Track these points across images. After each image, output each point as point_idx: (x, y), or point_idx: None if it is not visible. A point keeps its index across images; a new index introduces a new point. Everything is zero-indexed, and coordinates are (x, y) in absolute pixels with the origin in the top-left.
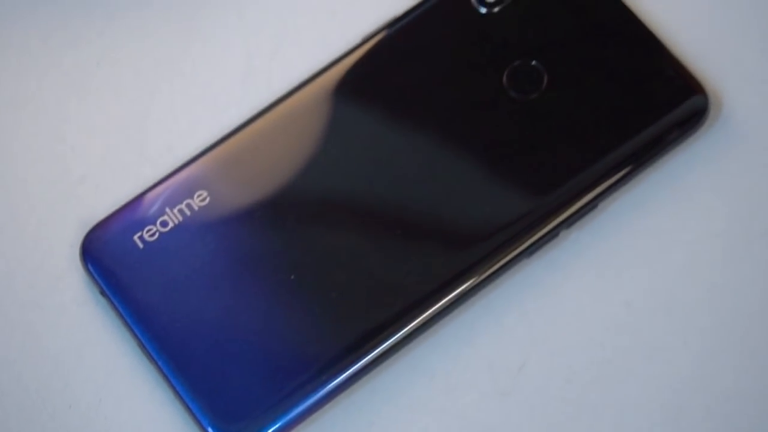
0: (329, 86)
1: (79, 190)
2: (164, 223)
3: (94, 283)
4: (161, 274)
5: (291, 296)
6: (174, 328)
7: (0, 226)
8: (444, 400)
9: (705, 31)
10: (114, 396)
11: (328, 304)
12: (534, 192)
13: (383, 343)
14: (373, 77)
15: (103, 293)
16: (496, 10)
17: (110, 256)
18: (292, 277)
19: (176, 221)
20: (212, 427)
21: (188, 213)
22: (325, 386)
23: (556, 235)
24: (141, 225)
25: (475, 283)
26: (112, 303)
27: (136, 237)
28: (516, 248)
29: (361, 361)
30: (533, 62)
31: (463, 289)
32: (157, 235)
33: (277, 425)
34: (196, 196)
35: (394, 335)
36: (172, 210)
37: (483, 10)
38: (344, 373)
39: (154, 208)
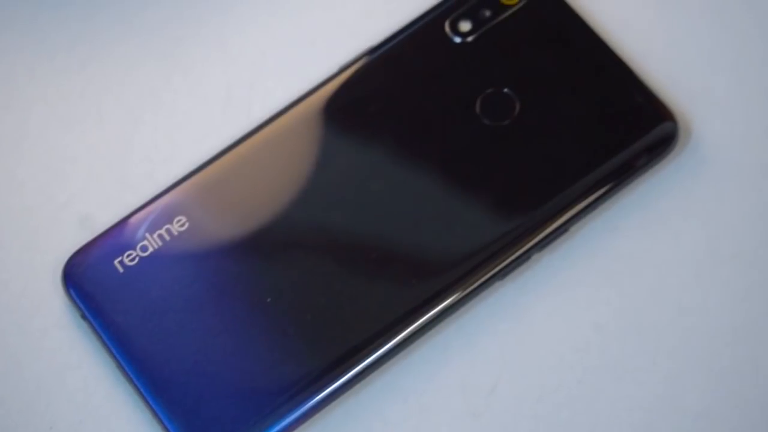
0: (306, 114)
1: (62, 216)
2: (144, 248)
3: (75, 307)
4: (141, 297)
5: (267, 319)
6: (153, 350)
7: None
8: (417, 420)
9: (675, 60)
10: (94, 417)
11: (304, 326)
12: (506, 216)
13: (358, 365)
14: (350, 105)
15: (84, 317)
16: (469, 39)
17: (91, 280)
18: (269, 299)
19: (156, 246)
20: None
21: (168, 238)
22: (301, 407)
23: (528, 258)
24: (121, 250)
25: (449, 305)
26: (92, 326)
27: (116, 262)
28: (488, 271)
29: (336, 382)
30: (505, 90)
31: (436, 312)
32: (137, 259)
33: None
34: (175, 221)
35: (369, 357)
36: (151, 235)
37: (457, 40)
38: (319, 394)
39: (135, 233)
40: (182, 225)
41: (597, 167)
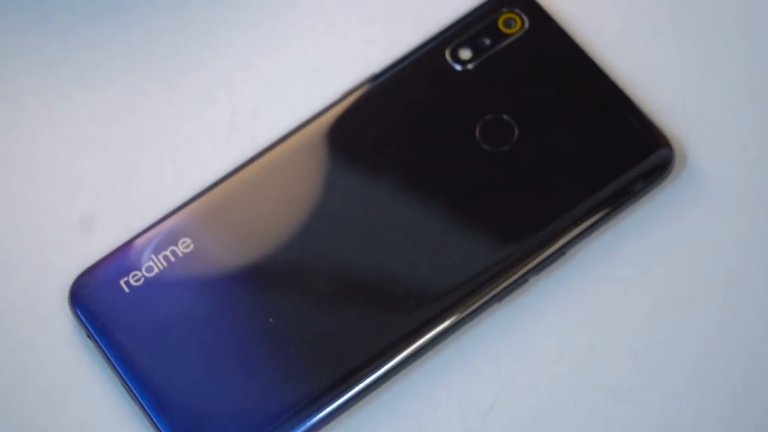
0: (309, 140)
1: (69, 238)
2: (149, 269)
3: (81, 326)
4: (146, 317)
5: (269, 339)
6: (157, 368)
7: None
8: None
9: (671, 88)
10: None
11: (305, 346)
12: (504, 240)
13: (357, 385)
14: (352, 131)
15: (90, 336)
16: (470, 67)
17: (97, 300)
18: (271, 320)
19: (161, 267)
20: None
21: (173, 259)
22: (302, 426)
23: (526, 281)
24: (127, 271)
25: (448, 326)
26: (98, 345)
27: (122, 282)
28: (487, 294)
29: (336, 401)
30: (505, 116)
31: (435, 333)
32: (142, 280)
33: None
34: (180, 243)
35: (368, 377)
36: (157, 256)
37: (458, 68)
38: (320, 413)
39: (140, 254)
40: (187, 246)
41: (594, 192)
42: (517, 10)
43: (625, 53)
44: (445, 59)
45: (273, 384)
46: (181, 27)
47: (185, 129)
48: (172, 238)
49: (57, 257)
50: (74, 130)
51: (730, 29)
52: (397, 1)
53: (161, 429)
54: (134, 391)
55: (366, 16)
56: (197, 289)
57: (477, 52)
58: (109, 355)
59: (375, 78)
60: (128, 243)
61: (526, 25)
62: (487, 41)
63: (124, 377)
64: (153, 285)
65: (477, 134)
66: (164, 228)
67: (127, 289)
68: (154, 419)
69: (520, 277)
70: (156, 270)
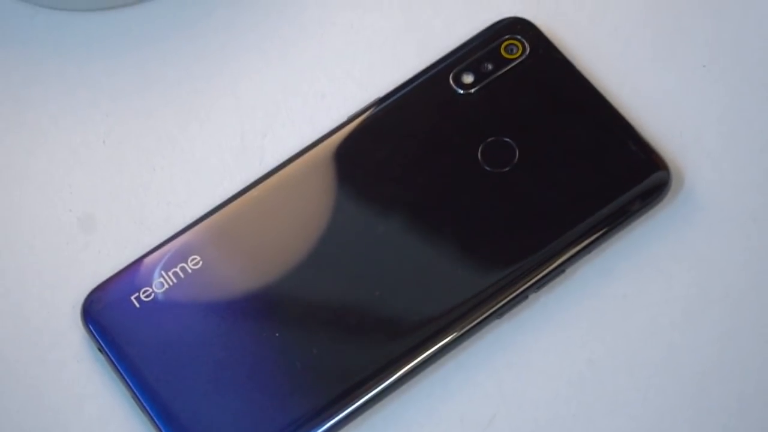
0: (315, 162)
1: (82, 256)
2: (160, 285)
3: (93, 340)
4: (156, 332)
5: (276, 353)
6: (166, 382)
7: (8, 288)
8: None
9: (668, 111)
10: None
11: (310, 360)
12: (506, 258)
13: (360, 398)
14: (358, 152)
15: (101, 350)
16: (472, 91)
17: (109, 315)
18: (277, 334)
19: (171, 283)
20: None
21: (182, 276)
22: None
23: (526, 298)
24: (138, 287)
25: (449, 342)
26: (109, 359)
27: (133, 298)
28: (487, 310)
29: (339, 414)
30: (506, 138)
31: (437, 348)
32: (152, 296)
33: None
34: (189, 260)
35: (371, 391)
36: (167, 273)
37: (461, 92)
38: (324, 425)
39: (151, 271)
40: (196, 264)
41: (593, 212)
42: (519, 37)
43: (625, 79)
44: (448, 84)
45: (279, 397)
46: (194, 55)
47: (196, 151)
48: (181, 256)
49: (70, 274)
50: (90, 153)
51: (725, 58)
52: (403, 29)
53: None
54: (144, 403)
55: (372, 44)
56: (205, 305)
57: (479, 76)
58: (120, 369)
59: (380, 102)
60: (139, 260)
61: (528, 50)
62: (490, 66)
63: (135, 390)
64: (163, 301)
65: (479, 156)
66: (174, 246)
67: (137, 305)
68: (164, 430)
69: (521, 294)
70: (166, 286)
